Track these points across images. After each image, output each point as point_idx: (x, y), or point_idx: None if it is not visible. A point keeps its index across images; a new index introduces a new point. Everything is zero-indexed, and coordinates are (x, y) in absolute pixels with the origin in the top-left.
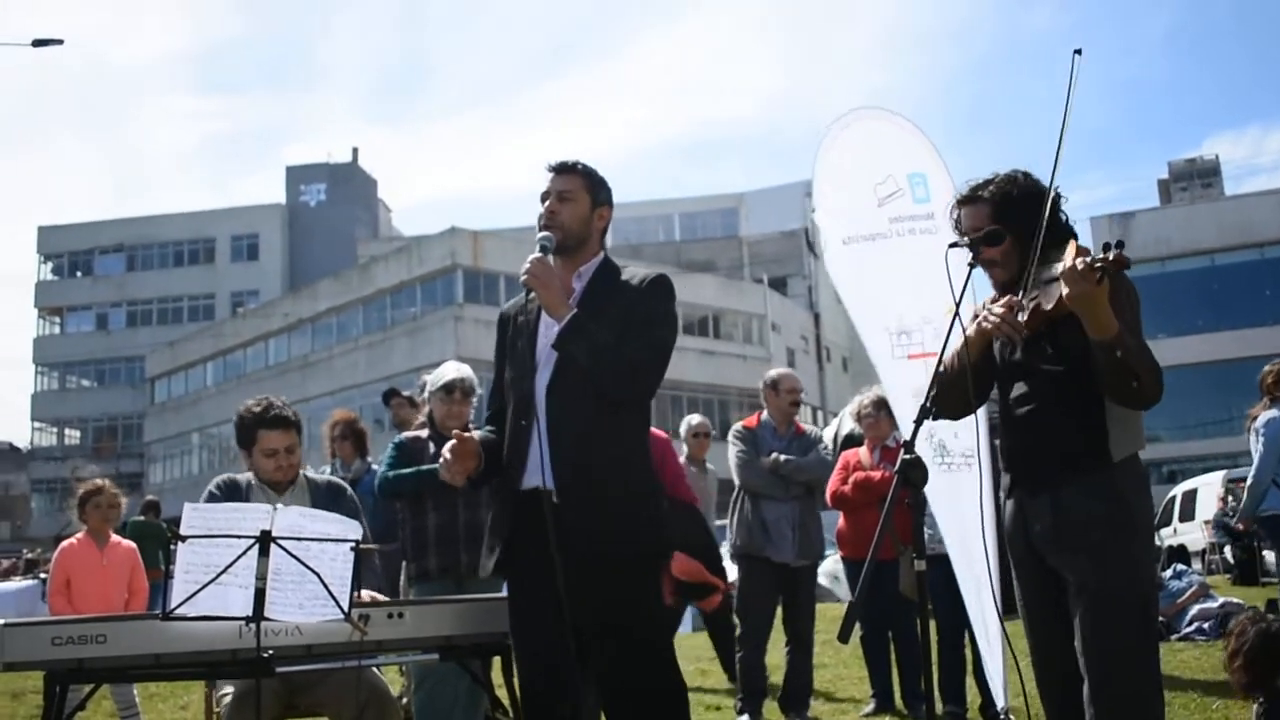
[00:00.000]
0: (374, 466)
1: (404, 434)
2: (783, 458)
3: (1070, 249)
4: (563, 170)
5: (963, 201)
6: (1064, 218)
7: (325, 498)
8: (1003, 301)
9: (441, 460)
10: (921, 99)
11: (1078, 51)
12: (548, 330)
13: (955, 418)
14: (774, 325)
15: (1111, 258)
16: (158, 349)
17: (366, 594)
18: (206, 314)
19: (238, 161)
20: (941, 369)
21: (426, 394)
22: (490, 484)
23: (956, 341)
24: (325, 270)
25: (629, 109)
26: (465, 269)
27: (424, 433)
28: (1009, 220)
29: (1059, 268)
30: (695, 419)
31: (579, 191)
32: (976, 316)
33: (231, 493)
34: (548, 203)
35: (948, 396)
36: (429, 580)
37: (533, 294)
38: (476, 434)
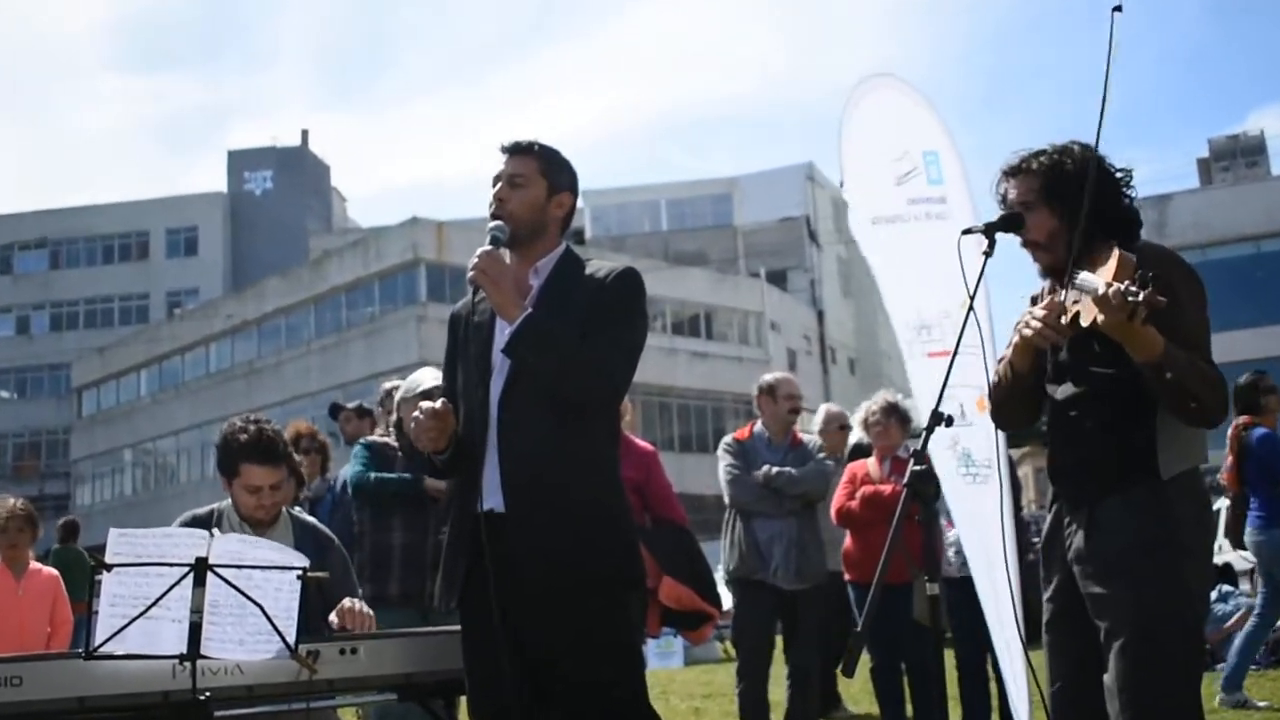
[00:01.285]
0: (333, 485)
1: (371, 438)
2: (774, 470)
3: (1111, 262)
4: (516, 151)
5: (1010, 173)
6: (1128, 200)
7: (310, 546)
8: (1044, 304)
9: (414, 419)
10: (934, 72)
11: (1117, 9)
12: (504, 333)
13: (1020, 430)
14: (773, 324)
15: (1143, 298)
16: (85, 355)
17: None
18: (140, 316)
19: (174, 146)
20: (994, 380)
21: (397, 401)
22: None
23: (1003, 351)
24: (272, 267)
25: (611, 87)
26: (428, 264)
27: (393, 441)
28: (1060, 197)
29: (1098, 282)
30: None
31: (533, 176)
32: (1019, 322)
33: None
34: (496, 187)
35: (1004, 411)
36: (388, 607)
37: (481, 293)
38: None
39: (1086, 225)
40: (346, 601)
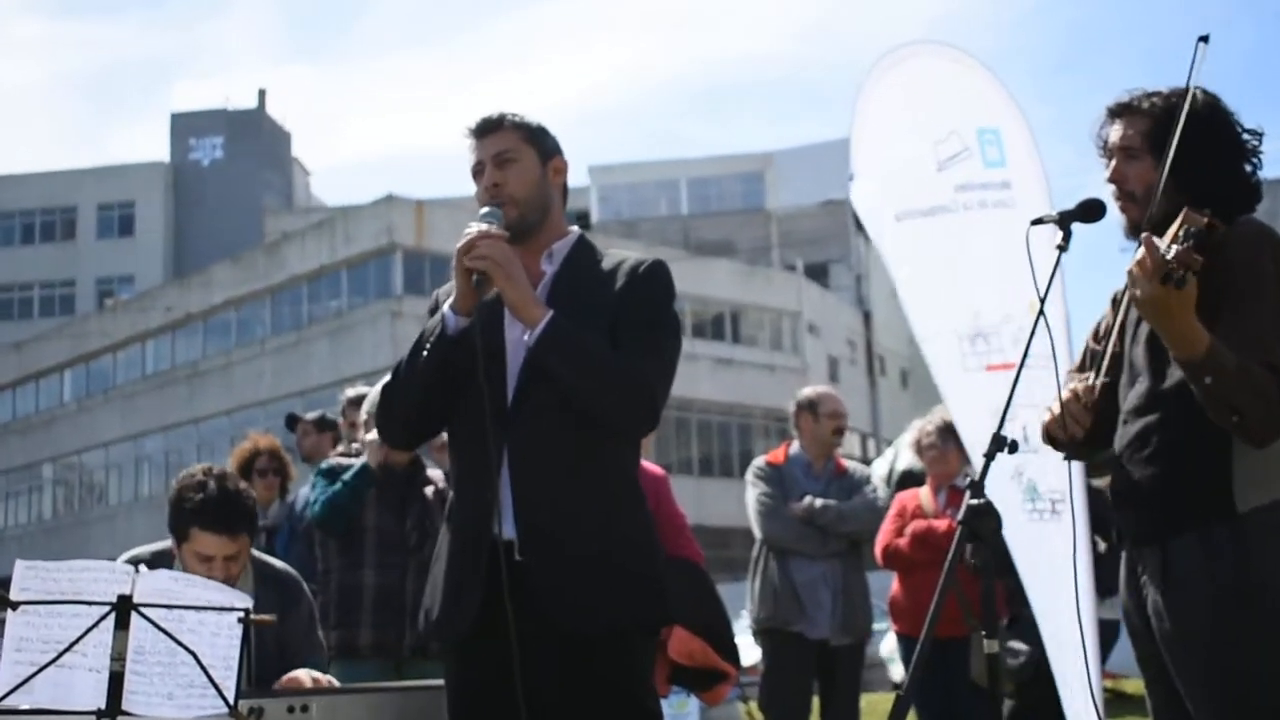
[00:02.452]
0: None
1: (331, 460)
2: (819, 502)
3: (1175, 223)
4: (488, 129)
5: (1115, 112)
6: (1250, 169)
7: (275, 594)
8: (1079, 382)
9: (474, 229)
10: (1001, 28)
11: (1203, 39)
12: (514, 333)
13: (1086, 459)
14: (811, 326)
15: (1173, 255)
16: None
17: (306, 674)
18: (64, 307)
19: (108, 106)
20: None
21: (365, 414)
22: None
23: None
24: (222, 251)
25: (621, 44)
26: (406, 250)
27: (356, 461)
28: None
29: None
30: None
31: (520, 147)
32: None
33: None
34: (485, 174)
35: (1065, 451)
36: (356, 659)
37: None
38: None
39: (1171, 183)
40: (302, 674)
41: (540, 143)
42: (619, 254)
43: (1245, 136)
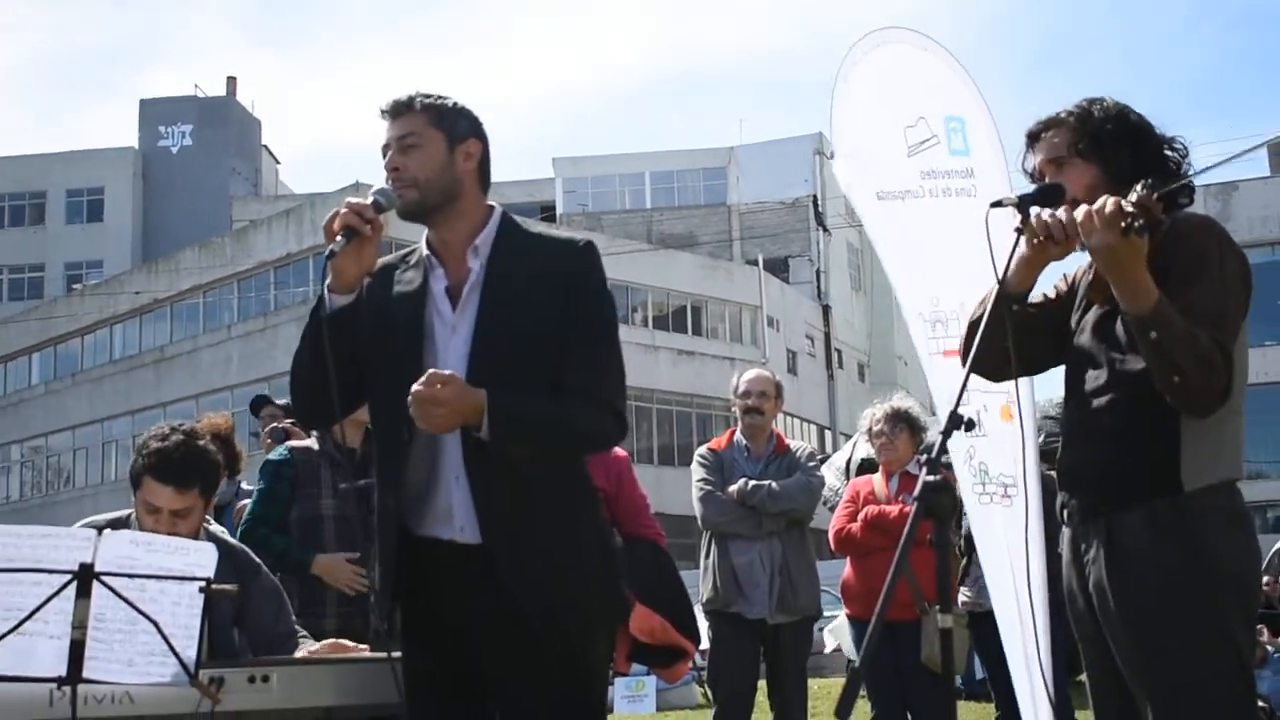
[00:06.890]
0: (244, 486)
1: (286, 445)
2: (750, 483)
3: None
4: (396, 113)
5: (1033, 135)
6: (1175, 163)
7: (229, 572)
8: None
9: (337, 215)
10: (972, 25)
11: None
12: (444, 310)
13: (992, 378)
14: (771, 319)
15: (1134, 202)
16: None
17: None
18: (33, 291)
19: (77, 91)
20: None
21: None
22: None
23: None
24: (190, 237)
25: (586, 33)
26: None
27: (314, 443)
28: (1093, 147)
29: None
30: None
31: (425, 131)
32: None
33: None
34: (387, 155)
35: (984, 344)
36: None
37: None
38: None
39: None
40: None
41: (450, 125)
42: (542, 229)
43: (1173, 145)
